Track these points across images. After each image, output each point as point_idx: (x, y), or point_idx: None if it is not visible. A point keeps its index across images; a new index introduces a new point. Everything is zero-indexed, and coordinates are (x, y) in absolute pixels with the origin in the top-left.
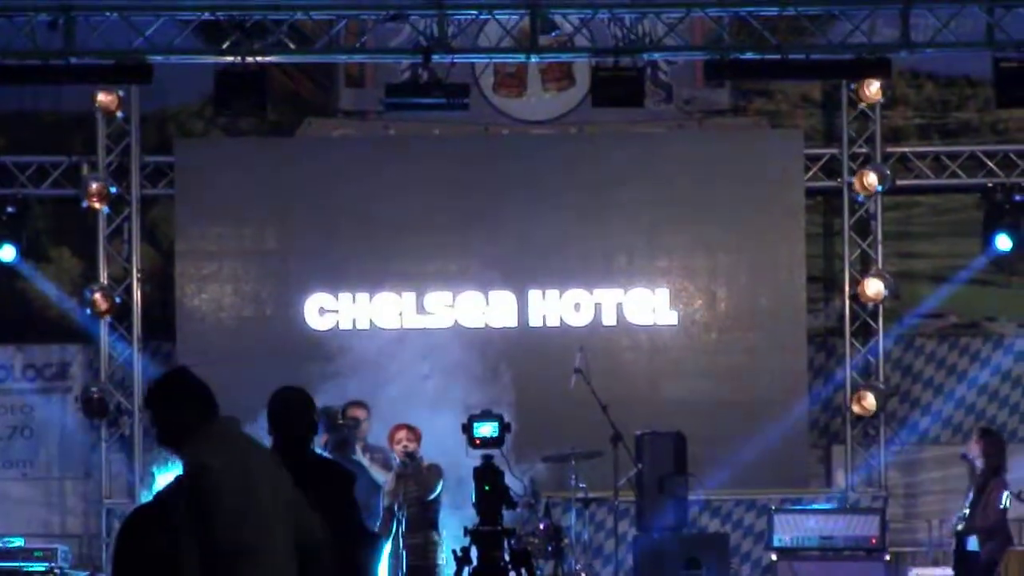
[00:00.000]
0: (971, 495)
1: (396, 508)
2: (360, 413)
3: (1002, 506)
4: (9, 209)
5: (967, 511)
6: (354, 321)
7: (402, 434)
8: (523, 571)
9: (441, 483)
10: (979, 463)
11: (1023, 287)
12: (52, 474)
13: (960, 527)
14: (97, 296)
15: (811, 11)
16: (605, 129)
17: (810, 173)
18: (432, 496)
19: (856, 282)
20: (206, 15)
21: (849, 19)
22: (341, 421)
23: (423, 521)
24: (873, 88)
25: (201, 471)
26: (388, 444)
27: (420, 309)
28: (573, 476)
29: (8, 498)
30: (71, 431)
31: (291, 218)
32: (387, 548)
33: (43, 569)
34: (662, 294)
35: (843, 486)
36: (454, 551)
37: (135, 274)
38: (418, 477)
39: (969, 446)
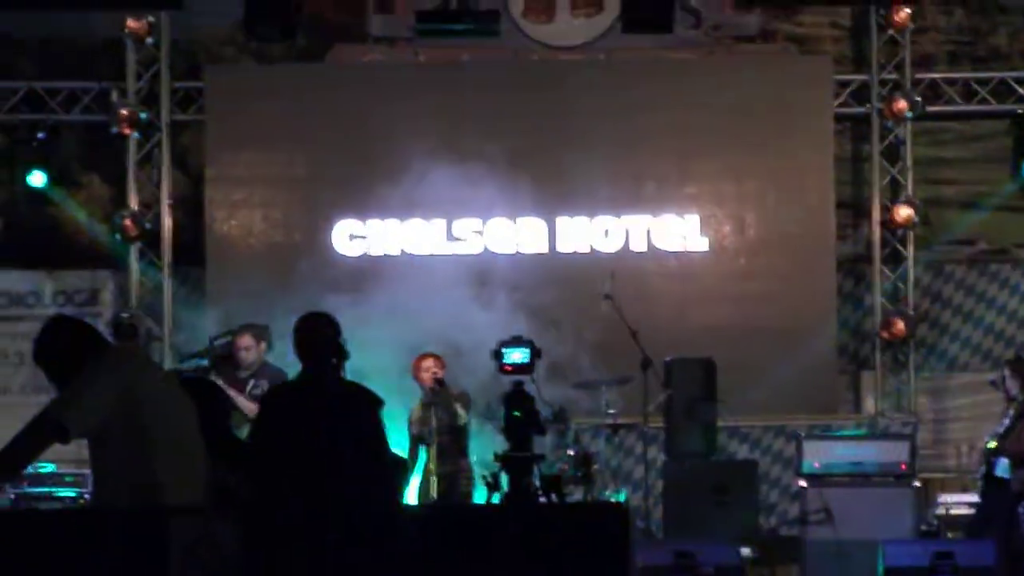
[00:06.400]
0: (1007, 421)
1: (426, 436)
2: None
3: None
4: (39, 135)
5: (1000, 431)
6: (384, 248)
7: (429, 362)
8: (553, 497)
9: (470, 410)
10: (1021, 396)
11: None
12: None
13: (992, 445)
14: (127, 222)
15: None
16: (634, 55)
17: (839, 99)
18: (461, 423)
19: (886, 208)
20: None
21: None
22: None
23: (453, 449)
24: (903, 13)
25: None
26: (414, 373)
27: (450, 236)
28: (603, 402)
29: None
30: None
31: (321, 144)
32: (415, 479)
33: (73, 495)
34: (691, 220)
35: (872, 412)
36: (484, 477)
37: (165, 200)
38: (447, 405)
39: (1007, 383)
